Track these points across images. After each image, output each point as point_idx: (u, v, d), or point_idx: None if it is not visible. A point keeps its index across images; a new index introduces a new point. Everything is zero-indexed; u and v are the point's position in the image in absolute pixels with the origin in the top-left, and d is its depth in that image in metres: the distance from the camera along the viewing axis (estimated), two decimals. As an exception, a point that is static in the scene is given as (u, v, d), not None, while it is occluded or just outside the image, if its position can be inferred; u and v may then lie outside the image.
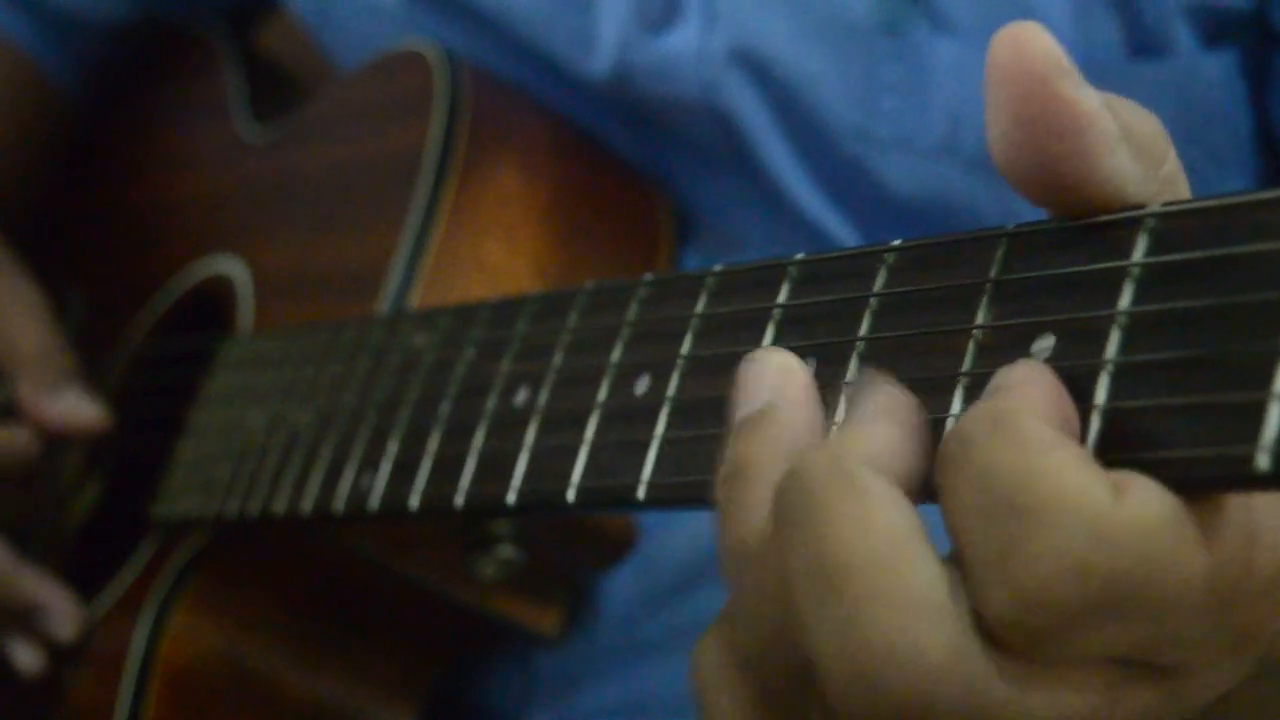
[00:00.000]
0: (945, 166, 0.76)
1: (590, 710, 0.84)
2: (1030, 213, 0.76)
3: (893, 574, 0.37)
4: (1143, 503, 0.36)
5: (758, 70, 0.78)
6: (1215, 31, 0.75)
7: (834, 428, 0.43)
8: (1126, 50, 0.75)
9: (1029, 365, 0.40)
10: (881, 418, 0.41)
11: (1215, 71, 0.75)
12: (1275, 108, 0.77)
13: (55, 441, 0.87)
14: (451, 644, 0.82)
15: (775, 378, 0.44)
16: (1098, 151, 0.40)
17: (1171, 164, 0.42)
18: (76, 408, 0.86)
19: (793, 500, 0.40)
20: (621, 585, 0.82)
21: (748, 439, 0.43)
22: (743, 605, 0.42)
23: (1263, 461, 0.35)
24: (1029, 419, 0.38)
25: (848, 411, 0.42)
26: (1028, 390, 0.39)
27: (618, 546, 0.77)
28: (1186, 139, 0.76)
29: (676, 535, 0.82)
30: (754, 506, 0.42)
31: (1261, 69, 0.76)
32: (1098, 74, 0.74)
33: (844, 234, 0.80)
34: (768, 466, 0.42)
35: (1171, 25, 0.74)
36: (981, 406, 0.39)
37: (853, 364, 0.46)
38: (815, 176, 0.80)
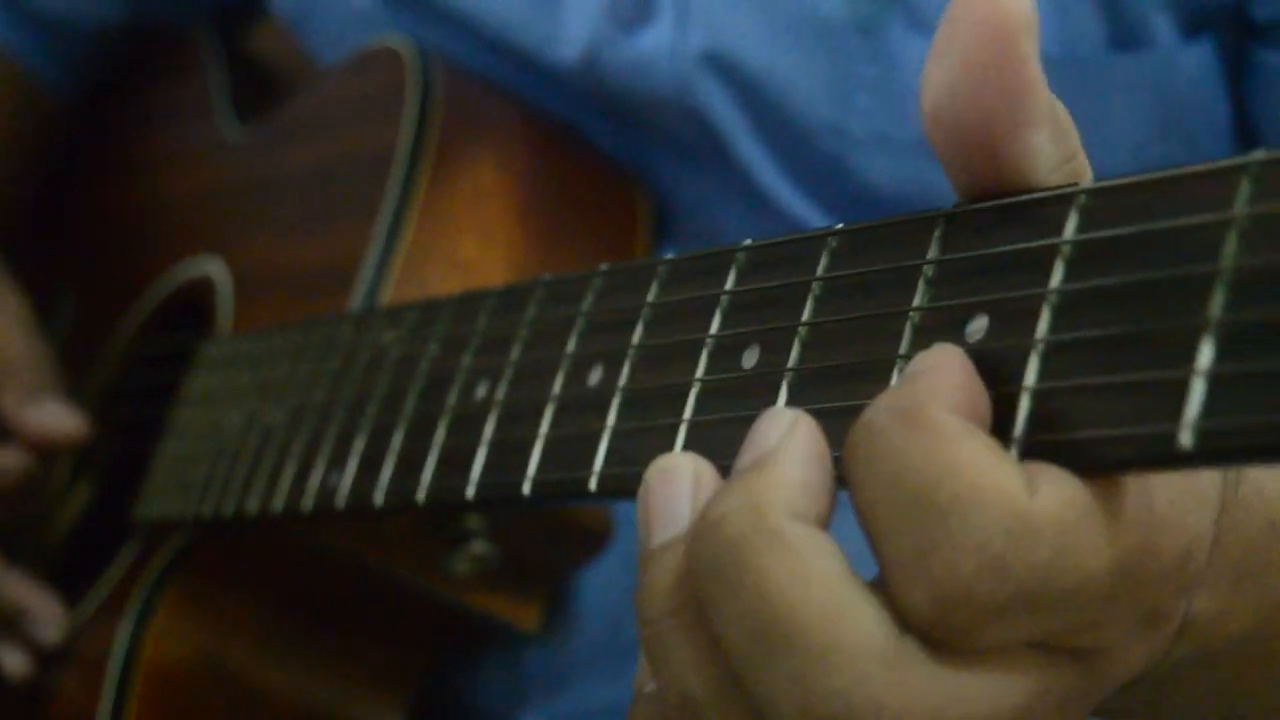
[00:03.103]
0: (922, 162, 0.76)
1: (578, 710, 0.83)
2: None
3: (840, 625, 0.37)
4: (1055, 495, 0.36)
5: (730, 71, 0.78)
6: (1194, 23, 0.75)
7: (744, 468, 0.40)
8: (1106, 43, 0.75)
9: (942, 350, 0.40)
10: (794, 456, 0.40)
11: (1194, 63, 0.75)
12: (1252, 99, 0.76)
13: (40, 452, 0.88)
14: (434, 641, 0.82)
15: (688, 491, 0.42)
16: (1030, 120, 0.40)
17: (1079, 161, 0.42)
18: (56, 418, 0.86)
19: (718, 558, 0.38)
20: (608, 583, 0.82)
21: (670, 572, 0.41)
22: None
23: (1185, 439, 0.35)
24: (937, 410, 0.37)
25: (751, 445, 0.41)
26: (937, 378, 0.38)
27: (594, 541, 0.77)
28: (1165, 130, 0.76)
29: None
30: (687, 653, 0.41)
31: (1239, 60, 0.76)
32: (1077, 66, 0.74)
33: (823, 227, 0.80)
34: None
35: (1151, 17, 0.74)
36: (889, 395, 0.38)
37: (795, 350, 0.46)
38: (792, 174, 0.80)
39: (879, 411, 0.38)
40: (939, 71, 0.40)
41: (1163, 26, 0.74)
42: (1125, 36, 0.75)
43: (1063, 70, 0.73)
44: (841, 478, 0.40)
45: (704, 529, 0.39)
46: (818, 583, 0.37)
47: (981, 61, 0.39)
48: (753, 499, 0.38)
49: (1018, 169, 0.41)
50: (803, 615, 0.37)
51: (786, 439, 0.40)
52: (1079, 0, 0.74)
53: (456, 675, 0.85)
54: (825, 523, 0.39)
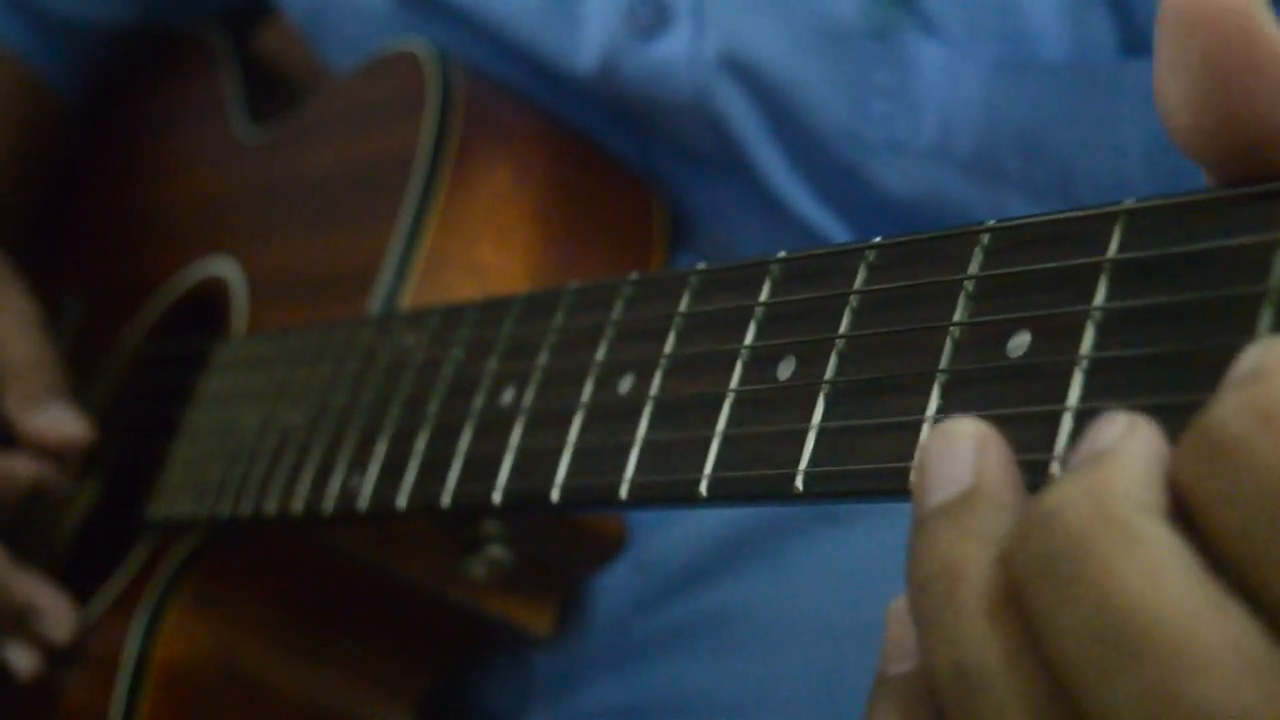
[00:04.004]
0: (938, 169, 0.76)
1: (587, 711, 0.84)
2: (1023, 214, 0.76)
3: (1200, 629, 0.33)
4: None
5: (748, 77, 0.78)
6: None
7: (1080, 463, 0.36)
8: (1118, 48, 0.75)
9: None
10: (1136, 452, 0.35)
11: None
12: None
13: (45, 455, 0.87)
14: (446, 645, 0.82)
15: (972, 453, 0.38)
16: None
17: None
18: (60, 422, 0.86)
19: (1054, 552, 0.35)
20: (617, 585, 0.82)
21: (951, 533, 0.37)
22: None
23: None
24: None
25: (1085, 446, 0.36)
26: None
27: (609, 547, 0.77)
28: None
29: (672, 535, 0.82)
30: (972, 616, 0.36)
31: None
32: (1090, 72, 0.74)
33: (839, 236, 0.80)
34: (982, 566, 0.37)
35: None
36: (1240, 394, 0.34)
37: (832, 362, 0.46)
38: (809, 180, 0.80)
39: (1231, 414, 0.33)
40: (1179, 88, 0.38)
41: None
42: (1137, 41, 0.75)
43: (1075, 76, 0.74)
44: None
45: (1035, 521, 0.35)
46: (1173, 580, 0.33)
47: (1223, 60, 0.36)
48: (1094, 490, 0.35)
49: None
50: (1156, 616, 0.33)
51: (1126, 437, 0.36)
52: (1091, 6, 0.74)
53: (466, 676, 0.85)
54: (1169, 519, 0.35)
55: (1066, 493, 0.35)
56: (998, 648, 0.36)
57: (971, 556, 0.37)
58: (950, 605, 0.37)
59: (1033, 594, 0.35)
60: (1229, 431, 0.33)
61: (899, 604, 0.40)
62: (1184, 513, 0.35)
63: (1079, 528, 0.34)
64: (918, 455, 0.39)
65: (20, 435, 0.86)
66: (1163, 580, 0.33)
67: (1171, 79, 0.38)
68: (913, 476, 0.39)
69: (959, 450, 0.38)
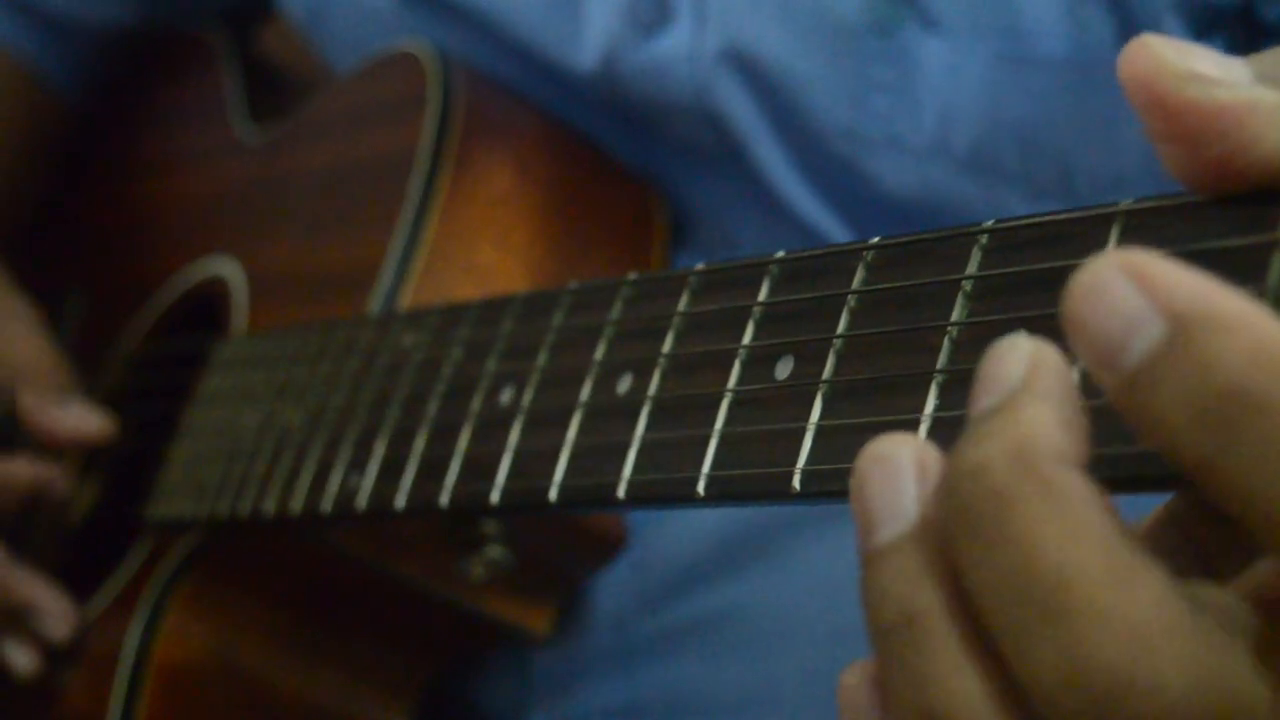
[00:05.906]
0: (936, 166, 0.76)
1: (586, 711, 0.84)
2: (1021, 211, 0.76)
3: (1116, 589, 0.32)
4: None
5: (748, 72, 0.78)
6: (1205, 24, 0.75)
7: (990, 409, 0.35)
8: (1117, 44, 0.75)
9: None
10: (1049, 390, 0.35)
11: None
12: None
13: (57, 452, 0.88)
14: (444, 644, 0.82)
15: (913, 482, 0.37)
16: (1262, 136, 0.36)
17: None
18: (82, 420, 0.87)
19: (977, 511, 0.34)
20: (616, 586, 0.82)
21: (904, 577, 0.36)
22: None
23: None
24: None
25: (989, 381, 0.35)
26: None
27: (608, 547, 0.77)
28: None
29: (671, 535, 0.82)
30: (940, 663, 0.35)
31: None
32: (1088, 68, 0.74)
33: (837, 233, 0.80)
34: (944, 609, 0.36)
35: (1162, 19, 0.74)
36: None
37: (830, 362, 0.46)
38: (807, 177, 0.80)
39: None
40: (1157, 149, 0.38)
41: (1173, 28, 0.74)
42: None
43: (1074, 71, 0.74)
44: None
45: (959, 480, 0.34)
46: (1094, 540, 0.33)
47: (1174, 133, 0.37)
48: (1014, 443, 0.34)
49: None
50: (1076, 575, 0.33)
51: (1035, 371, 0.35)
52: (1090, 3, 0.74)
53: (464, 676, 0.85)
54: (1085, 467, 0.34)
55: (987, 448, 0.34)
56: (972, 691, 0.35)
57: (931, 603, 0.35)
58: (917, 655, 0.35)
59: (957, 552, 0.35)
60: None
61: (850, 675, 0.38)
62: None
63: (1002, 488, 0.34)
64: (854, 477, 0.37)
65: (40, 434, 0.87)
66: (1083, 540, 0.33)
67: (1150, 140, 0.38)
68: (852, 502, 0.37)
69: (898, 480, 0.37)
